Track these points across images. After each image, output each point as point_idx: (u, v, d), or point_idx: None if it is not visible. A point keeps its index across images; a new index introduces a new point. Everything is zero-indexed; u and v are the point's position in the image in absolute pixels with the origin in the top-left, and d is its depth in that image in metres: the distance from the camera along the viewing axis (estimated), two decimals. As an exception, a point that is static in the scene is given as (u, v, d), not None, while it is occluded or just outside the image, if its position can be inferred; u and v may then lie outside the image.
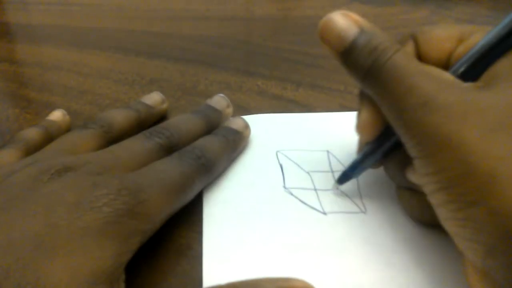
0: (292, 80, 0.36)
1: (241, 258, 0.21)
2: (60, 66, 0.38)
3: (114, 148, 0.23)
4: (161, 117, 0.31)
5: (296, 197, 0.24)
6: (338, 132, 0.29)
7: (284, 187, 0.25)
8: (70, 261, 0.17)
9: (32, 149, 0.25)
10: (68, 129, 0.29)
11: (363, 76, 0.19)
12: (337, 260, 0.21)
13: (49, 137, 0.27)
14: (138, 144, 0.24)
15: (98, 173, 0.21)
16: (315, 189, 0.25)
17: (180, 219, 0.23)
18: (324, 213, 0.24)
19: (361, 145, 0.23)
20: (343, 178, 0.24)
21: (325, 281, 0.20)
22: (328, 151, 0.27)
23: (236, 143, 0.27)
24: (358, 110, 0.22)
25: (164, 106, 0.31)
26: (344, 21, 0.20)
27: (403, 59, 0.19)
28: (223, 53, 0.40)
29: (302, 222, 0.23)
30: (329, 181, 0.25)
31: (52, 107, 0.31)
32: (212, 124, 0.28)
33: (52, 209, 0.18)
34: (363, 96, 0.21)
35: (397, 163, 0.21)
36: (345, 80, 0.36)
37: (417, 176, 0.19)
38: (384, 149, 0.22)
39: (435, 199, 0.18)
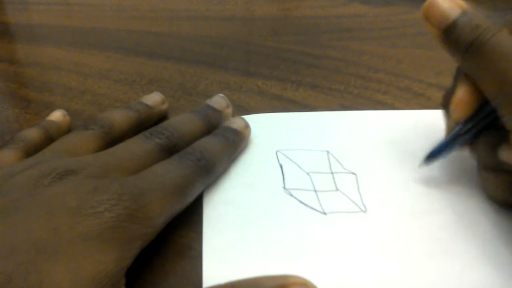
0: (292, 80, 0.36)
1: (241, 258, 0.21)
2: (60, 66, 0.38)
3: (115, 149, 0.23)
4: (161, 118, 0.31)
5: (296, 198, 0.24)
6: (338, 132, 0.29)
7: (284, 188, 0.25)
8: (72, 266, 0.17)
9: (32, 150, 0.25)
10: (68, 130, 0.29)
11: (464, 51, 0.21)
12: (337, 260, 0.21)
13: (49, 138, 0.27)
14: (138, 145, 0.24)
15: (99, 176, 0.21)
16: (315, 190, 0.25)
17: (180, 219, 0.23)
18: (324, 213, 0.24)
19: (450, 125, 0.24)
20: (431, 157, 0.25)
21: (325, 281, 0.20)
22: (328, 152, 0.27)
23: (236, 143, 0.26)
24: (453, 89, 0.23)
25: (164, 106, 0.31)
26: (447, 2, 0.22)
27: (506, 36, 0.20)
28: (223, 53, 0.40)
29: (302, 222, 0.23)
30: (329, 182, 0.25)
31: (52, 107, 0.31)
32: (212, 124, 0.28)
33: (53, 213, 0.18)
34: (459, 75, 0.23)
35: (487, 143, 0.23)
36: (345, 80, 0.36)
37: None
38: (477, 128, 0.23)
39: None
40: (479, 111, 0.22)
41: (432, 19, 0.22)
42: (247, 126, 0.28)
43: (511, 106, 0.20)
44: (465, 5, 0.22)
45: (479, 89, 0.22)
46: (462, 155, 0.25)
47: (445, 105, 0.25)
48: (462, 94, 0.23)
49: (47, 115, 0.29)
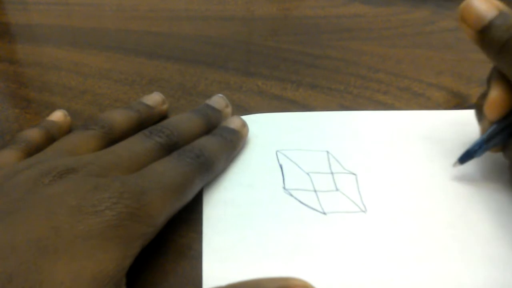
0: (292, 80, 0.36)
1: (241, 258, 0.21)
2: (60, 66, 0.38)
3: (115, 148, 0.23)
4: (162, 118, 0.31)
5: (296, 198, 0.24)
6: (338, 132, 0.29)
7: (284, 188, 0.25)
8: (73, 265, 0.17)
9: (33, 150, 0.25)
10: (69, 130, 0.29)
11: (499, 51, 0.22)
12: (337, 260, 0.21)
13: (50, 138, 0.27)
14: (138, 144, 0.24)
15: (99, 175, 0.21)
16: (315, 191, 0.25)
17: (180, 219, 0.23)
18: (324, 213, 0.24)
19: (484, 126, 0.24)
20: (466, 157, 0.25)
21: (325, 281, 0.20)
22: (328, 152, 0.27)
23: (234, 142, 0.27)
24: (488, 89, 0.24)
25: (165, 106, 0.31)
26: (483, 4, 0.22)
27: None
28: (223, 53, 0.40)
29: (302, 222, 0.23)
30: (329, 182, 0.26)
31: (52, 107, 0.31)
32: (212, 123, 0.28)
33: (54, 212, 0.18)
34: (493, 76, 0.23)
35: None
36: (345, 80, 0.36)
37: None
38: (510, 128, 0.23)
39: None
40: (510, 114, 0.23)
41: (468, 20, 0.23)
42: (244, 125, 0.28)
43: None
44: (501, 5, 0.22)
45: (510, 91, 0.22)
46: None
47: (478, 107, 0.25)
48: (496, 94, 0.23)
49: (47, 115, 0.29)
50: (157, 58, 0.39)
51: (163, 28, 0.45)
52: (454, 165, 0.25)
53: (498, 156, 0.25)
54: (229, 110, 0.29)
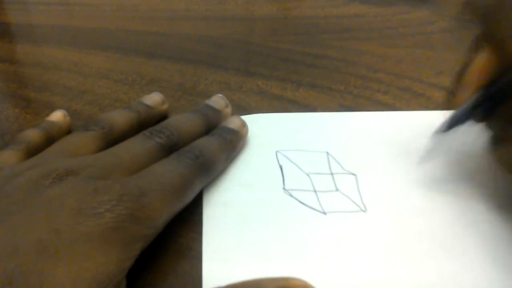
0: (292, 80, 0.36)
1: (241, 258, 0.21)
2: (60, 66, 0.38)
3: (115, 149, 0.23)
4: (161, 118, 0.31)
5: (295, 198, 0.24)
6: (338, 133, 0.29)
7: (284, 188, 0.25)
8: (73, 267, 0.17)
9: (33, 151, 0.25)
10: (69, 130, 0.29)
11: (484, 14, 0.22)
12: (337, 260, 0.21)
13: (50, 138, 0.27)
14: (138, 145, 0.24)
15: (99, 177, 0.21)
16: (315, 191, 0.25)
17: (180, 219, 0.23)
18: (324, 213, 0.24)
19: (465, 97, 0.23)
20: (450, 125, 0.24)
21: (325, 281, 0.20)
22: (327, 153, 0.27)
23: (234, 142, 0.27)
24: (471, 56, 0.23)
25: (165, 106, 0.31)
26: None
27: None
28: (223, 53, 0.40)
29: (302, 222, 0.23)
30: (329, 183, 0.26)
31: (52, 107, 0.31)
32: (211, 123, 0.28)
33: (54, 215, 0.18)
34: (478, 41, 0.23)
35: (507, 112, 0.22)
36: (345, 80, 0.36)
37: None
38: (497, 98, 0.22)
39: None
40: (497, 81, 0.22)
41: None
42: (244, 125, 0.28)
43: None
44: None
45: (499, 56, 0.22)
46: (461, 156, 0.25)
47: (459, 76, 0.24)
48: (481, 60, 0.22)
49: (47, 115, 0.29)
50: (157, 58, 0.39)
51: (163, 28, 0.45)
52: (436, 133, 0.24)
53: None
54: (229, 110, 0.29)
